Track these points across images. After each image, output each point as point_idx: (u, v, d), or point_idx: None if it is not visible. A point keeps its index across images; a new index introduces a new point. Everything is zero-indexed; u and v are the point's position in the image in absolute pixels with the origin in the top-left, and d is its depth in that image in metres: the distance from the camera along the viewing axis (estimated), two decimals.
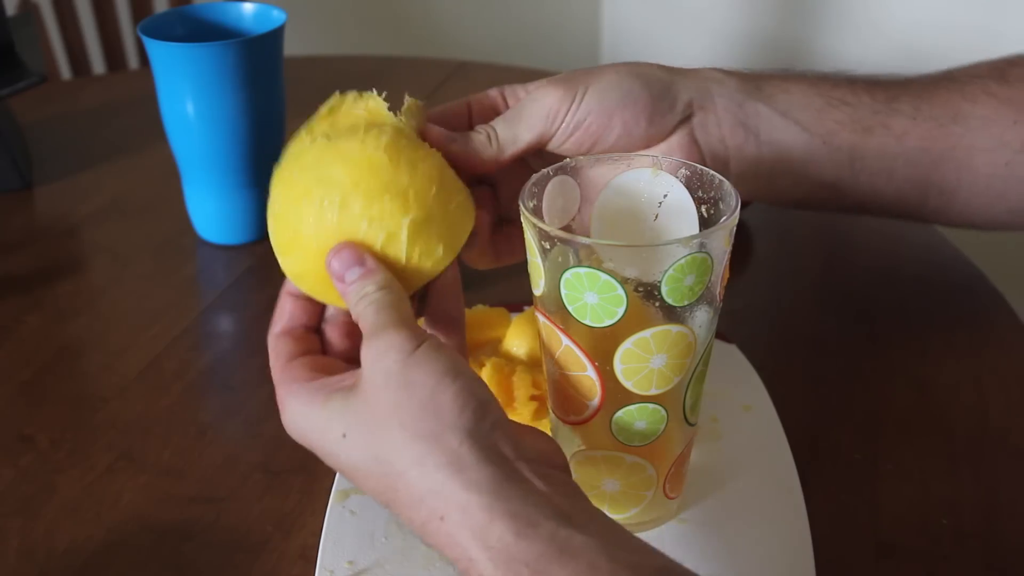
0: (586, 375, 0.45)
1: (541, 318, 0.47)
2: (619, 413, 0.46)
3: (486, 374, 0.56)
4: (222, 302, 0.71)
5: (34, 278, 0.74)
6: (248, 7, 0.77)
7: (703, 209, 0.47)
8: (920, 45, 1.44)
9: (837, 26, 1.61)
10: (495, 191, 0.56)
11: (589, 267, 0.43)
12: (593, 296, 0.43)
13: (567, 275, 0.43)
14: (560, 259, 0.44)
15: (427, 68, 1.12)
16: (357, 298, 0.44)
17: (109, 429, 0.59)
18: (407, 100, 0.49)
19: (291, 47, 0.78)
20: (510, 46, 1.85)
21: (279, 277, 0.48)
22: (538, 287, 0.46)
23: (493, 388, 0.56)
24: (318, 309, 0.49)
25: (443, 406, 0.39)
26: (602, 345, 0.44)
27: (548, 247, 0.44)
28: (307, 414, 0.43)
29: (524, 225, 0.45)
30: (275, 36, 0.72)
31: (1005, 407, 0.60)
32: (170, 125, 0.74)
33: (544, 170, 0.48)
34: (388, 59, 1.15)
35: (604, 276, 0.42)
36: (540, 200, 0.47)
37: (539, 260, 0.45)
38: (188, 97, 0.71)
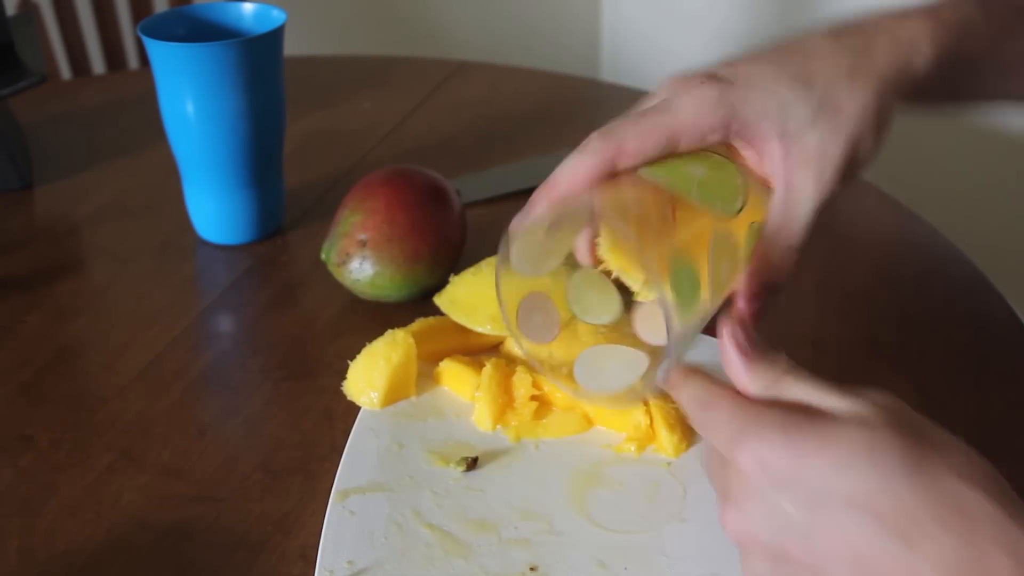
0: None
1: None
2: None
3: (486, 374, 0.56)
4: (222, 302, 0.71)
5: (34, 278, 0.74)
6: (248, 7, 0.77)
7: None
8: None
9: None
10: None
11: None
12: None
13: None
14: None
15: (427, 68, 1.11)
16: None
17: (109, 429, 0.59)
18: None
19: (291, 47, 0.78)
20: (510, 46, 1.84)
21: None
22: None
23: (493, 388, 0.56)
24: None
25: None
26: None
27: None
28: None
29: None
30: (275, 36, 0.72)
31: (1005, 407, 0.60)
32: (170, 125, 0.74)
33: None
34: (388, 59, 1.15)
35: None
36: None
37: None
38: (188, 97, 0.71)
